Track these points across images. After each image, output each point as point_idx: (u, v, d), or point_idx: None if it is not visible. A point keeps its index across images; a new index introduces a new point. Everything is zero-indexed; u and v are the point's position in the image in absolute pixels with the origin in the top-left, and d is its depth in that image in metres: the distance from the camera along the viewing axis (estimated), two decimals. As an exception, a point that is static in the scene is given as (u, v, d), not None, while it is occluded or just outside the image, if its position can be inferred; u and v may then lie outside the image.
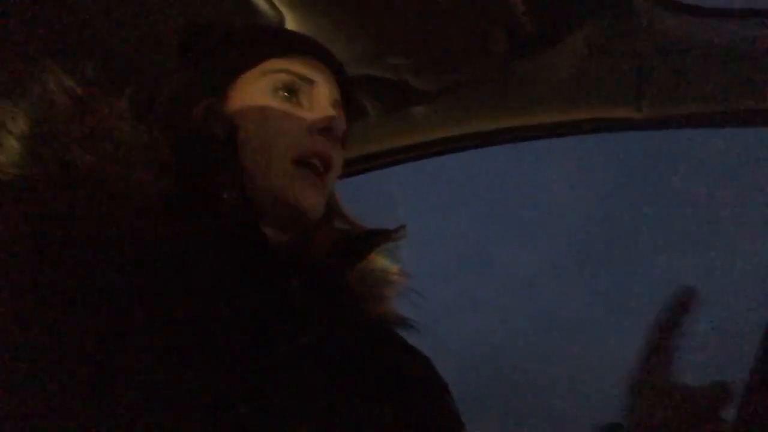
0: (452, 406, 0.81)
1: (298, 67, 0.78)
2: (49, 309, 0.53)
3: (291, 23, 1.12)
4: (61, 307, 0.53)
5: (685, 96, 1.11)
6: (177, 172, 0.69)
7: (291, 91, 0.77)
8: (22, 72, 0.66)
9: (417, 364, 0.83)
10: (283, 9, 1.10)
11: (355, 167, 1.48)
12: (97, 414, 0.50)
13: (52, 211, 0.59)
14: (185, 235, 0.65)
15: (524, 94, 1.31)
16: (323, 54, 0.83)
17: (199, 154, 0.71)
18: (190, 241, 0.64)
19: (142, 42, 1.08)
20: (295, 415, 0.61)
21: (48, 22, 0.99)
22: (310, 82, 0.79)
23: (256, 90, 0.76)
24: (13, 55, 0.96)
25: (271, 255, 0.73)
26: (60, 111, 0.66)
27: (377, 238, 0.83)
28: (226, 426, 0.55)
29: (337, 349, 0.73)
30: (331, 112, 0.79)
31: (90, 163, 0.64)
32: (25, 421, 0.49)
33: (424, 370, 0.83)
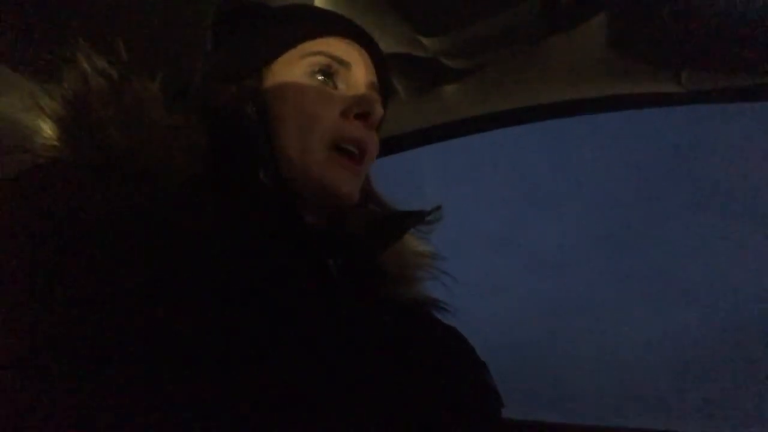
0: (492, 384, 0.80)
1: (335, 49, 0.77)
2: (83, 295, 0.53)
3: (321, 1, 1.10)
4: (97, 294, 0.53)
5: (729, 68, 1.07)
6: (211, 154, 0.69)
7: (327, 74, 0.76)
8: (57, 54, 0.66)
9: (455, 343, 0.82)
10: (314, -13, 1.08)
11: (385, 147, 1.46)
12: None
13: (88, 194, 0.59)
14: (221, 216, 0.64)
15: (558, 71, 1.27)
16: (362, 36, 0.82)
17: (233, 135, 0.70)
18: (225, 222, 0.64)
19: (173, 23, 1.07)
20: (334, 394, 0.61)
21: (81, 3, 0.98)
22: (347, 65, 0.77)
23: (292, 73, 0.75)
24: (48, 37, 0.96)
25: (307, 236, 0.72)
26: (95, 93, 0.66)
27: (411, 219, 0.83)
28: (270, 399, 0.55)
29: (374, 329, 0.72)
30: (367, 96, 0.78)
31: (125, 145, 0.64)
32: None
33: (463, 349, 0.82)
